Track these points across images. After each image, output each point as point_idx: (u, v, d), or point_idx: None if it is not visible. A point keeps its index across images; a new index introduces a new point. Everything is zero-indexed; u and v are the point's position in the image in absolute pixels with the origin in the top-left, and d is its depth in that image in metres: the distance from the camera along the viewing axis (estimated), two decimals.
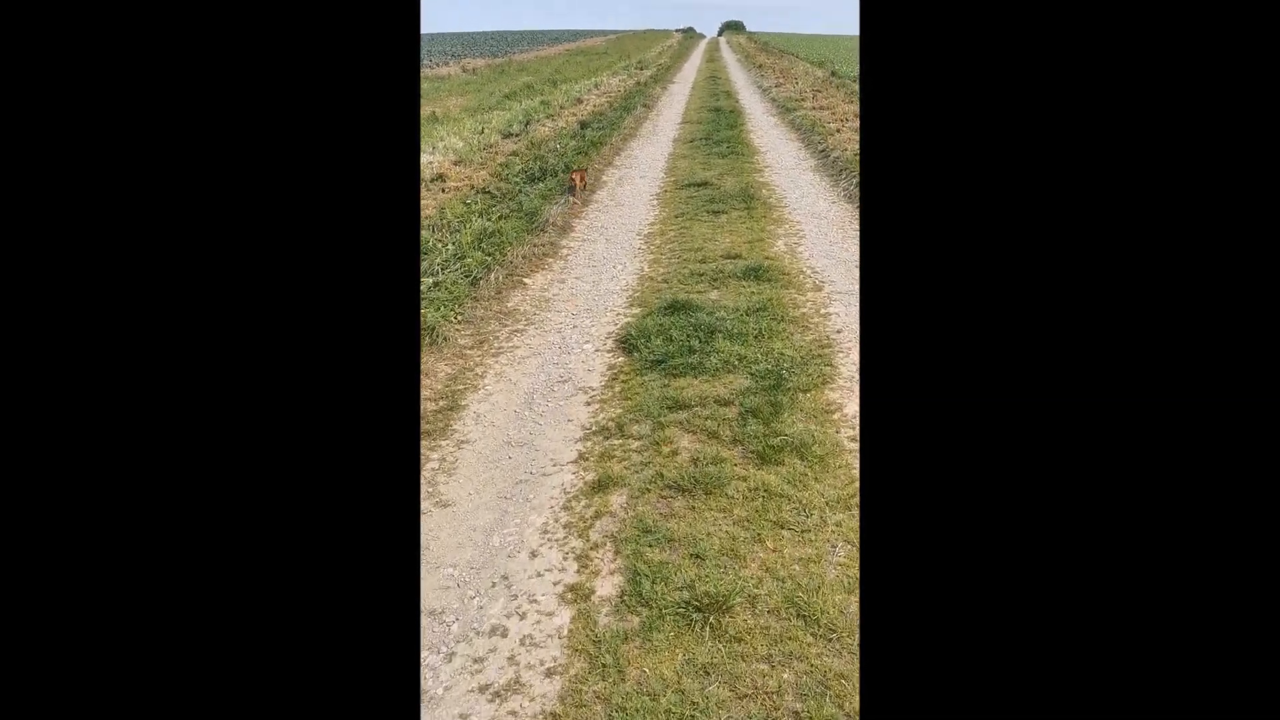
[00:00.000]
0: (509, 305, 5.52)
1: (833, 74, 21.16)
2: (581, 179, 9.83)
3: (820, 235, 6.91)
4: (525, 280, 6.04)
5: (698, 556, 2.76)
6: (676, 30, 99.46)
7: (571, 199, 8.57)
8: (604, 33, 77.78)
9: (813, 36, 63.99)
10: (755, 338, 4.59)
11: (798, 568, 2.69)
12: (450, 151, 10.84)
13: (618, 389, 4.16)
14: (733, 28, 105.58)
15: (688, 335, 4.61)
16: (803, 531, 2.87)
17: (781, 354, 4.38)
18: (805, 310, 5.11)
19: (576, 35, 67.21)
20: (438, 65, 31.94)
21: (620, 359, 4.54)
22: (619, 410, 3.91)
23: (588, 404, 4.03)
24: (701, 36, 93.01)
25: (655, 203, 8.52)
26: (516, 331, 5.06)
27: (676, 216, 7.76)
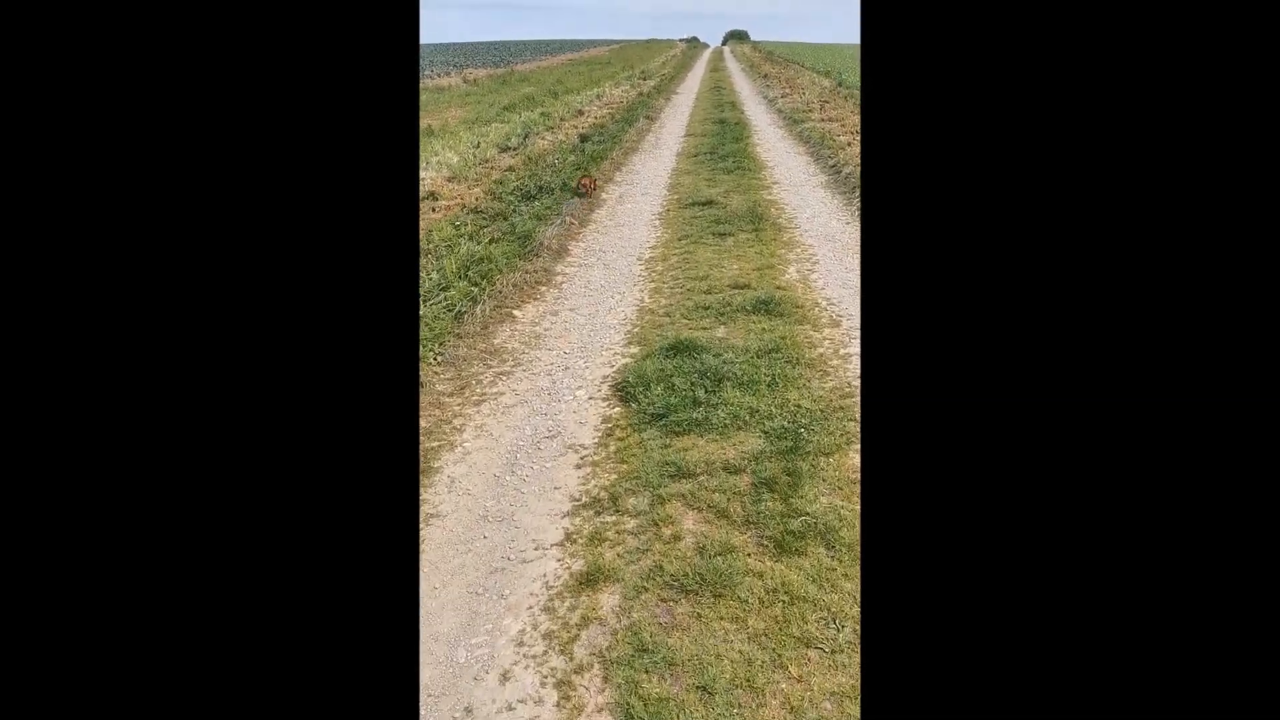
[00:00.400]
0: (495, 342, 5.03)
1: (840, 84, 20.71)
2: (592, 183, 9.47)
3: (835, 260, 6.41)
4: (515, 312, 5.55)
5: (705, 690, 2.24)
6: (680, 40, 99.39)
7: (574, 215, 8.10)
8: (607, 42, 77.52)
9: (818, 45, 63.59)
10: (768, 386, 4.09)
11: (829, 706, 2.18)
12: (444, 167, 10.39)
13: (612, 448, 3.65)
14: (737, 37, 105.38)
15: (692, 383, 4.11)
16: (833, 652, 2.36)
17: (798, 406, 3.87)
18: (822, 351, 4.61)
19: (580, 45, 66.98)
20: (439, 76, 31.59)
21: (616, 409, 4.04)
22: (613, 477, 3.40)
23: (578, 467, 3.53)
24: (705, 46, 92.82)
25: (657, 223, 8.03)
26: (502, 374, 4.56)
27: (680, 239, 7.27)
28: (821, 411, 3.82)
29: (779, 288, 5.75)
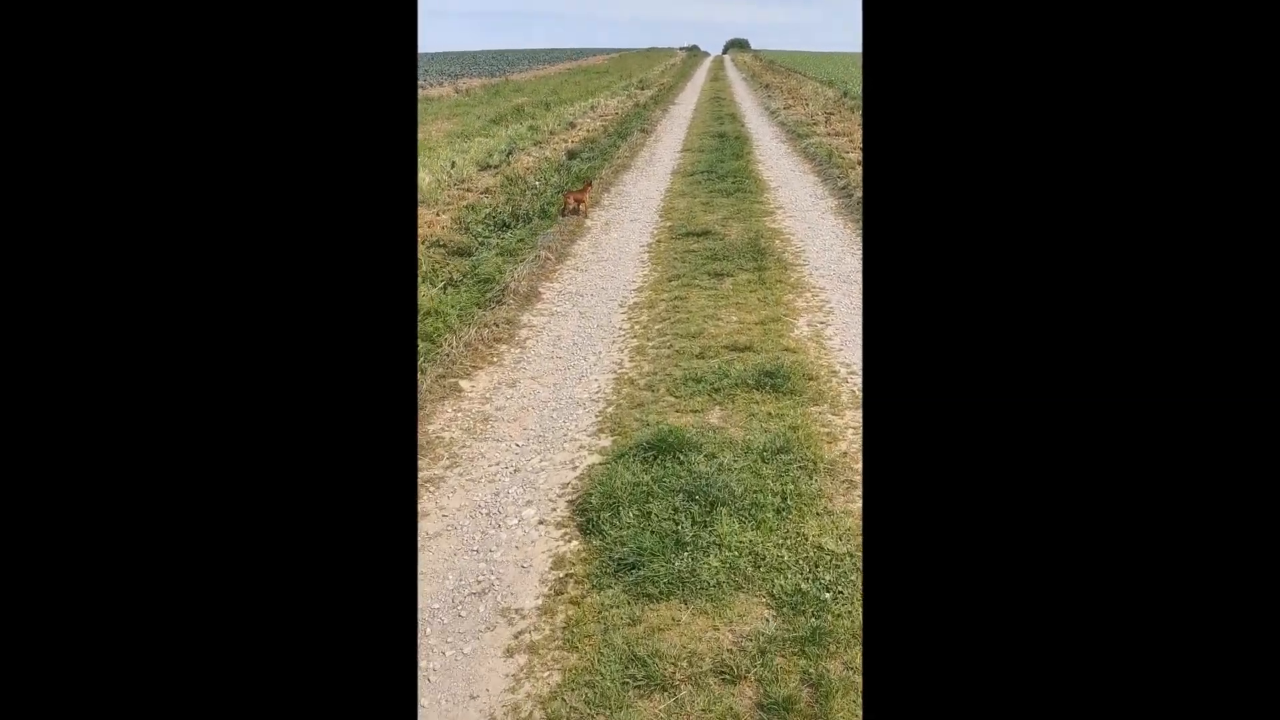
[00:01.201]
0: (431, 429, 3.99)
1: (845, 94, 19.74)
2: (577, 200, 8.50)
3: (853, 309, 5.39)
4: (462, 383, 4.52)
5: None
6: (680, 48, 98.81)
7: (551, 249, 7.09)
8: (607, 51, 76.64)
9: (820, 54, 62.57)
10: (776, 512, 3.05)
11: None
12: None
13: (561, 619, 2.61)
14: (737, 45, 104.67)
15: (675, 509, 3.06)
16: None
17: (820, 548, 2.83)
18: (845, 448, 3.57)
19: (579, 54, 66.09)
20: (432, 85, 30.67)
21: (573, 544, 3.00)
22: (556, 679, 2.36)
23: (509, 654, 2.48)
24: (706, 54, 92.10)
25: (646, 256, 7.01)
26: (431, 482, 3.52)
27: (670, 279, 6.24)
28: (851, 555, 2.78)
29: (787, 349, 4.72)
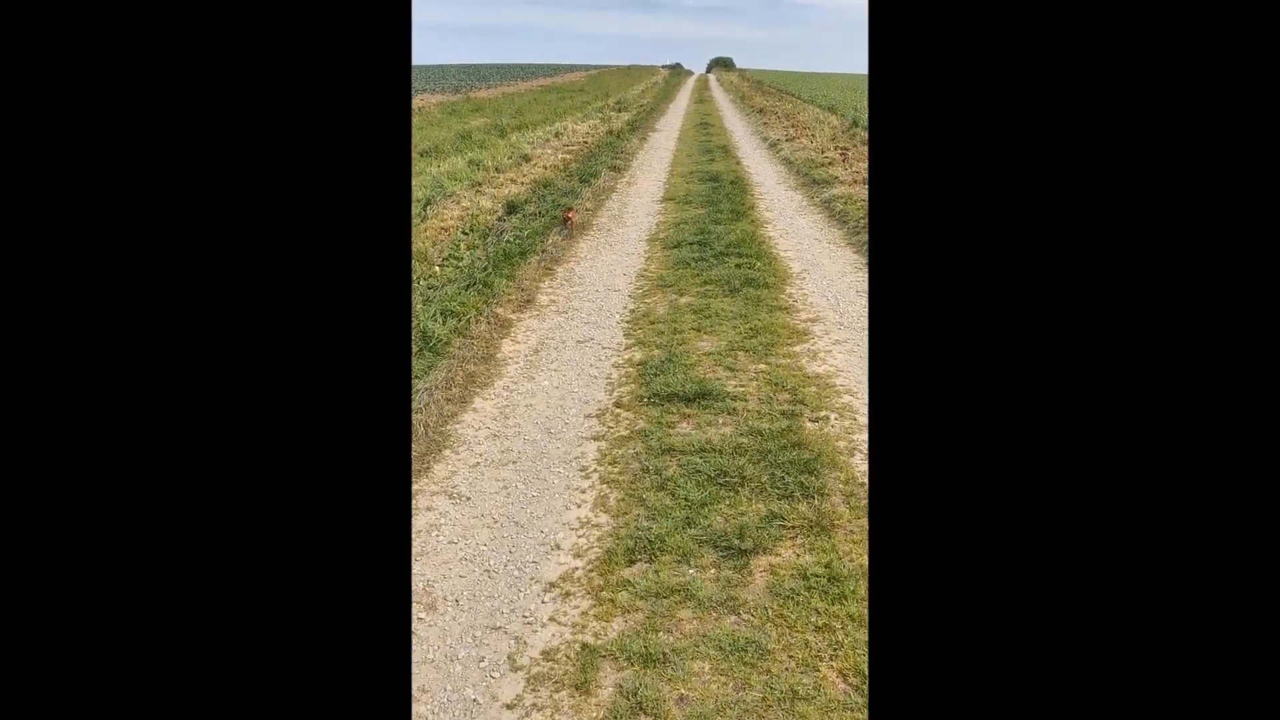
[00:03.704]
0: None
1: (854, 124, 16.62)
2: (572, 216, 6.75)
3: None
4: None
5: None
6: (663, 66, 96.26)
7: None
8: (585, 67, 73.47)
9: (809, 74, 59.77)
10: None
11: None
12: None
13: None
14: (722, 64, 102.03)
15: None
16: None
17: None
18: None
19: (555, 70, 62.90)
20: None
21: None
22: None
23: None
24: (689, 73, 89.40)
25: (591, 456, 3.69)
26: None
27: (633, 559, 2.91)
28: None
29: None
